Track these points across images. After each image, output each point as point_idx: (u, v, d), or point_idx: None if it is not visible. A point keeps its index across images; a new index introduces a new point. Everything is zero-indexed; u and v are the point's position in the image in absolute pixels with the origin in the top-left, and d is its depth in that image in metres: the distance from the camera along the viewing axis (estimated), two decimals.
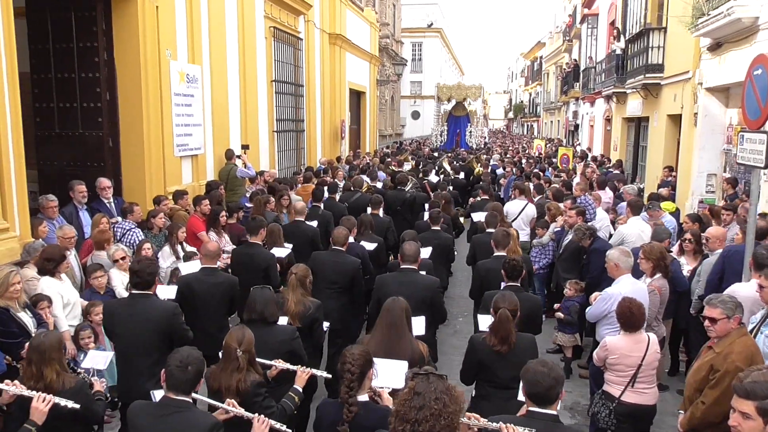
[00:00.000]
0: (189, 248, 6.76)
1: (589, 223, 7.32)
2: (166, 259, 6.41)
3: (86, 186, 6.86)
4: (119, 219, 6.91)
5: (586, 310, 5.16)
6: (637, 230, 7.26)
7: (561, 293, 6.83)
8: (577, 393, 5.97)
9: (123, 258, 5.81)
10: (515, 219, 8.60)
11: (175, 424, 2.93)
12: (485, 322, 4.18)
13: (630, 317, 4.06)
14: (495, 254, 5.65)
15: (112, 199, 7.36)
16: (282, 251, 6.44)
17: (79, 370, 4.25)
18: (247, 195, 9.52)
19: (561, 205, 8.17)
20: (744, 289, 4.47)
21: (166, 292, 5.05)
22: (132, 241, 6.51)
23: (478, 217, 7.89)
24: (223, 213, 7.30)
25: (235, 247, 7.09)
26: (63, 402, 3.20)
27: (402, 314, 3.77)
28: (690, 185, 10.87)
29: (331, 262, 5.41)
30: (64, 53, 7.76)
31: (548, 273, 7.93)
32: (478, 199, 10.10)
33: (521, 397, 3.10)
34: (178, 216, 7.63)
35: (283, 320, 4.28)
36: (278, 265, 6.05)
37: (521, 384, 3.00)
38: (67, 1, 7.64)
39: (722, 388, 3.48)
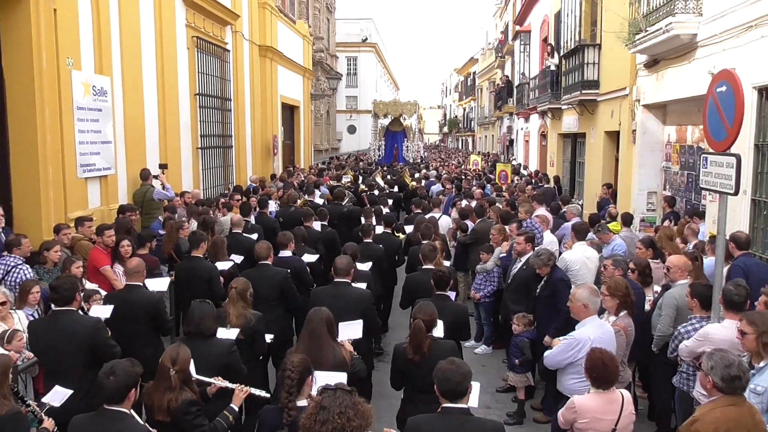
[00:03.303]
0: (90, 285, 5.81)
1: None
2: None
3: None
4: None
5: (545, 354, 4.55)
6: (581, 256, 6.76)
7: (509, 326, 6.28)
8: None
9: (3, 303, 4.79)
10: None
11: None
12: None
13: (603, 371, 3.48)
14: (423, 267, 5.88)
15: (1, 230, 6.30)
16: (225, 264, 6.40)
17: (28, 401, 3.84)
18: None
19: (507, 228, 7.70)
20: (719, 333, 3.99)
21: (101, 311, 4.87)
22: (19, 280, 5.53)
23: (411, 230, 8.35)
24: (123, 243, 6.36)
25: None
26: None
27: (322, 323, 3.91)
28: (631, 203, 10.76)
29: (256, 277, 5.38)
30: None
31: (494, 302, 7.43)
32: (413, 213, 10.31)
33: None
34: (80, 246, 6.65)
35: (232, 333, 4.32)
36: (221, 278, 6.06)
37: (435, 384, 3.12)
38: None
39: None
